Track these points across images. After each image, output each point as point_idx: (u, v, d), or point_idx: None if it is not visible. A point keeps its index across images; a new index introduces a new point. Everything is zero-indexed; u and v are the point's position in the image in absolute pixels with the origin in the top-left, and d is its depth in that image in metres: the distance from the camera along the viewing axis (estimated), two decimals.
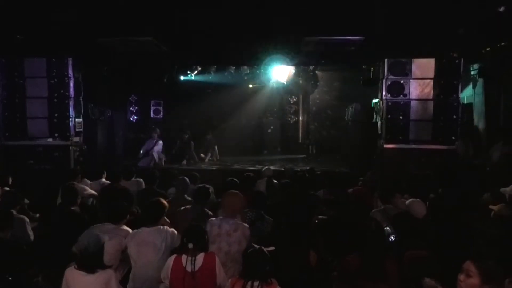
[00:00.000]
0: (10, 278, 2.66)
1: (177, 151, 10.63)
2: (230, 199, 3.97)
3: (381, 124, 8.23)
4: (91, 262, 2.98)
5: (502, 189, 5.36)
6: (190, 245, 3.13)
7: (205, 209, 4.49)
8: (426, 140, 7.91)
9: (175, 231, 3.67)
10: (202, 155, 11.16)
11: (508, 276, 2.52)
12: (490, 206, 4.74)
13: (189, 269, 3.07)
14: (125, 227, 3.88)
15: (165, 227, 3.69)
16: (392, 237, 3.65)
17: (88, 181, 6.35)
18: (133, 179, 6.25)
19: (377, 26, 6.19)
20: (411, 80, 7.95)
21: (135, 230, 3.66)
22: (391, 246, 3.51)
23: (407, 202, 4.37)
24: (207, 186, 4.84)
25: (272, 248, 3.05)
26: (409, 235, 3.50)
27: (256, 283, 2.78)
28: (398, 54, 7.92)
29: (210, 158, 11.33)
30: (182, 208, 4.50)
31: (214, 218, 3.92)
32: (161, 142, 10.17)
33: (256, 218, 4.28)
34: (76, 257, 3.03)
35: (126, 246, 3.63)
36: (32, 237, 4.30)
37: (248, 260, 2.92)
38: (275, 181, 6.49)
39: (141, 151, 10.03)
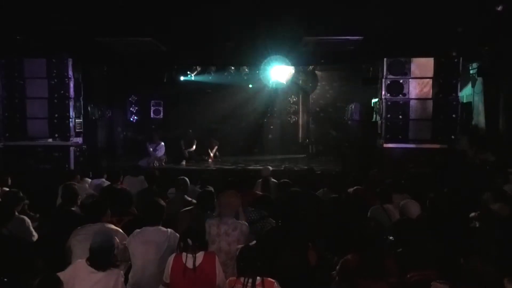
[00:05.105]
0: (5, 280, 2.64)
1: (188, 146, 10.64)
2: (226, 198, 3.98)
3: (381, 123, 8.24)
4: (105, 260, 3.00)
5: (505, 187, 5.35)
6: (189, 241, 3.13)
7: (208, 212, 4.47)
8: (426, 139, 7.91)
9: (178, 235, 3.65)
10: (205, 157, 11.17)
11: (507, 275, 2.53)
12: (491, 206, 4.73)
13: (189, 265, 3.07)
14: (112, 226, 3.85)
15: (169, 229, 3.69)
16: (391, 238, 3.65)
17: (89, 180, 6.36)
18: (140, 176, 6.26)
19: (376, 25, 6.20)
20: (410, 80, 7.96)
21: (138, 229, 3.66)
22: (390, 245, 3.51)
23: (401, 203, 4.36)
24: (210, 188, 4.81)
25: (254, 242, 3.07)
26: (410, 241, 3.42)
27: (254, 280, 2.79)
28: (397, 53, 7.93)
29: (214, 158, 11.33)
30: (183, 210, 4.50)
31: (211, 219, 3.93)
32: (162, 143, 10.19)
33: (258, 218, 4.28)
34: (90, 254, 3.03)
35: (118, 244, 3.64)
36: (35, 237, 4.26)
37: (239, 258, 2.95)
38: (275, 180, 6.48)
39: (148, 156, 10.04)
